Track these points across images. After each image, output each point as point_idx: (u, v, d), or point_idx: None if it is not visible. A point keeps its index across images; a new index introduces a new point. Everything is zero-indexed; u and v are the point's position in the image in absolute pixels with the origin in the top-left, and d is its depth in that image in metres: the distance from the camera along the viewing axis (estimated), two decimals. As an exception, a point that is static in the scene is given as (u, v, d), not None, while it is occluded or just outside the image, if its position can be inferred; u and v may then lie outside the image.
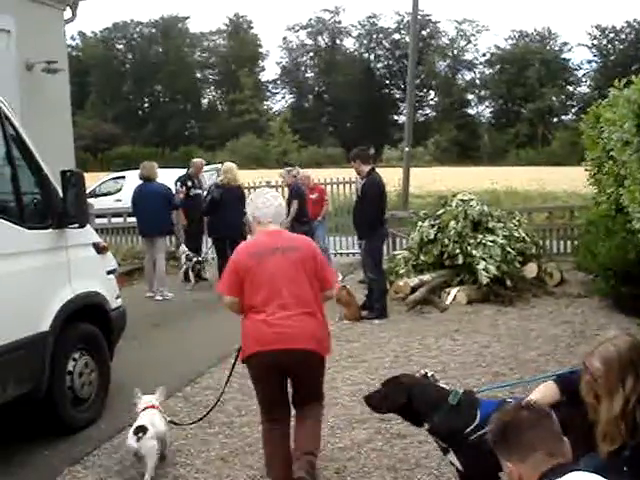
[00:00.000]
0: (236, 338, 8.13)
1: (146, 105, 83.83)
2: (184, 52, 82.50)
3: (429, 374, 5.79)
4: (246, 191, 11.88)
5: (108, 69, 77.41)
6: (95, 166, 44.66)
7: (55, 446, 5.23)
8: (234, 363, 4.74)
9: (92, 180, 19.98)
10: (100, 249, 6.14)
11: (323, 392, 4.62)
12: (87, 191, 11.34)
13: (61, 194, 5.44)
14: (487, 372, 6.68)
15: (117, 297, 6.35)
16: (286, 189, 12.80)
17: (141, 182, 11.50)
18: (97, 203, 15.38)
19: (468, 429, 3.59)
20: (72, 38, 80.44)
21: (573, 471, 2.28)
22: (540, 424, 2.34)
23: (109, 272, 6.30)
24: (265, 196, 4.64)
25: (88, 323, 5.79)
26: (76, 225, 5.55)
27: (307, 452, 4.26)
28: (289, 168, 13.23)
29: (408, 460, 4.80)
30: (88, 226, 5.91)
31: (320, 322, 4.38)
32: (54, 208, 5.40)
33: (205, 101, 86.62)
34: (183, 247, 12.75)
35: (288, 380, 4.40)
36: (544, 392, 3.54)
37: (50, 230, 5.38)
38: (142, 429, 4.59)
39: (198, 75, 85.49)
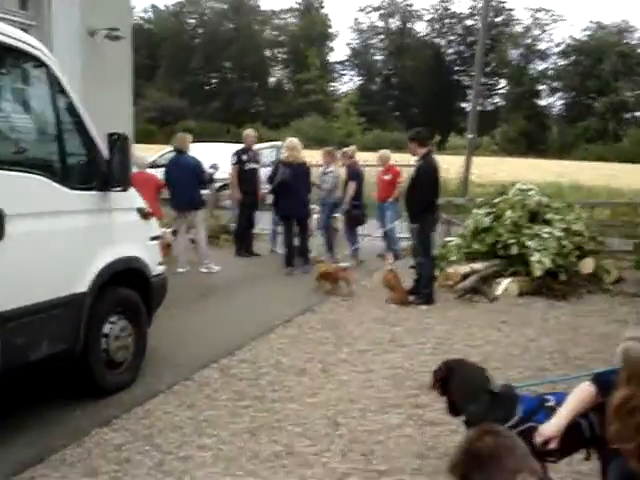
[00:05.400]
0: (278, 313, 8.21)
1: (213, 81, 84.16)
2: (254, 29, 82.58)
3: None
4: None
5: (178, 43, 78.08)
6: (160, 138, 45.17)
7: (87, 407, 5.24)
8: None
9: (158, 152, 20.16)
10: (144, 215, 6.09)
11: None
12: (148, 162, 11.44)
13: (107, 157, 5.40)
14: (530, 366, 6.45)
15: (159, 264, 6.32)
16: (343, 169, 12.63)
17: (174, 154, 11.01)
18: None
19: (508, 424, 3.34)
20: (145, 11, 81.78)
21: None
22: (515, 446, 2.15)
23: (153, 238, 6.27)
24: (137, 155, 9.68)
25: (128, 287, 5.77)
26: (119, 188, 5.51)
27: None
28: (345, 149, 13.01)
29: (437, 449, 4.64)
30: (133, 190, 5.85)
31: None
32: (99, 170, 5.36)
33: (272, 80, 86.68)
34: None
35: None
36: (582, 395, 3.33)
37: (94, 192, 5.34)
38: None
39: (267, 53, 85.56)
